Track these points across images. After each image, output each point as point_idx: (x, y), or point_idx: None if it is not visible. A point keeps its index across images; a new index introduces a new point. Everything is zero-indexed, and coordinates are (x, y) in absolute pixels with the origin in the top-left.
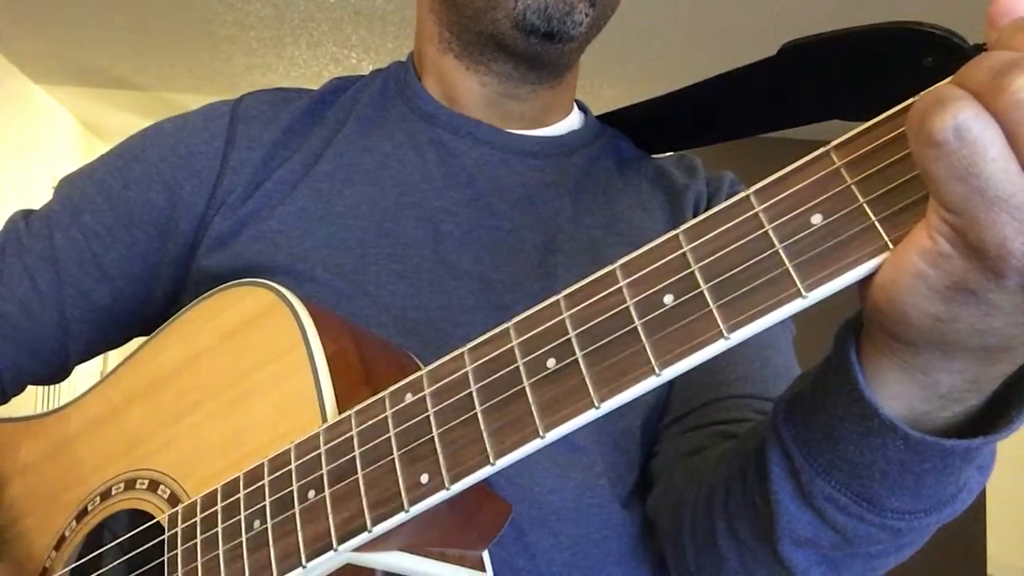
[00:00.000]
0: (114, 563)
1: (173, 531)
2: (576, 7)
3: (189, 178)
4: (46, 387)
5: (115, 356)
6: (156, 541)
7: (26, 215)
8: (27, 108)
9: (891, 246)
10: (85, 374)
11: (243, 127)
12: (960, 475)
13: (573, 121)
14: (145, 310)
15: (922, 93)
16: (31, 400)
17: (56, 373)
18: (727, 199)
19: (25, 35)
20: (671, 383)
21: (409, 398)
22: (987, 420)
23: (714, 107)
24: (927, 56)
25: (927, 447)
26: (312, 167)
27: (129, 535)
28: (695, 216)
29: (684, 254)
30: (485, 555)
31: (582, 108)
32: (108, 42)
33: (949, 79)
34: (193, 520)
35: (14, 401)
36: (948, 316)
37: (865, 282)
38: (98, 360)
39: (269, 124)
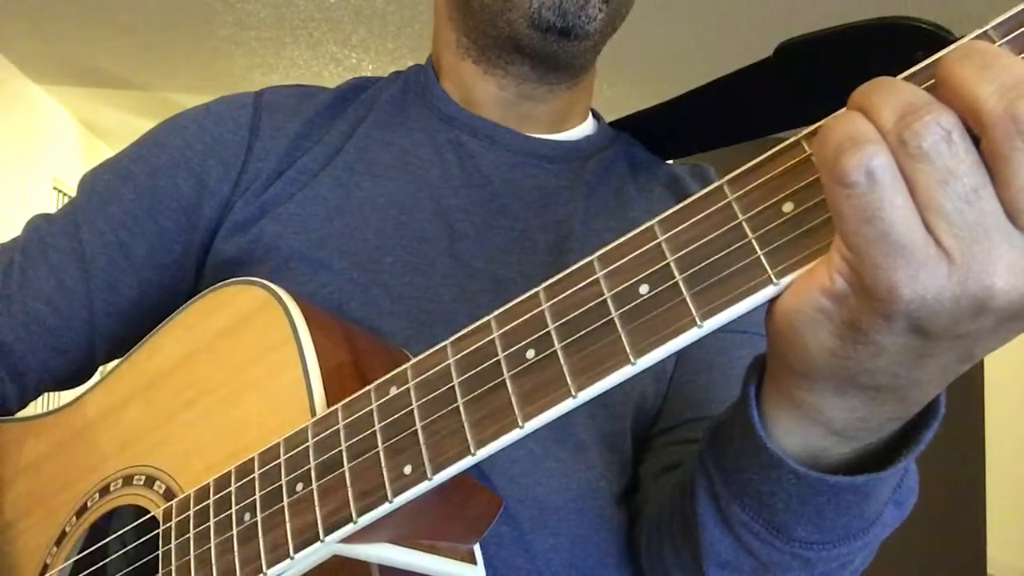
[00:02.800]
0: (112, 557)
1: (167, 525)
2: (590, 1)
3: (216, 165)
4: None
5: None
6: (152, 535)
7: (46, 216)
8: (27, 108)
9: None
10: None
11: (267, 117)
12: (864, 509)
13: (588, 127)
14: (172, 301)
15: (833, 118)
16: (35, 400)
17: (80, 373)
18: None
19: (25, 35)
20: (666, 394)
21: (394, 391)
22: (883, 459)
23: (718, 111)
24: (916, 50)
25: (815, 482)
26: (333, 158)
27: (126, 530)
28: None
29: (659, 244)
30: (476, 548)
31: (595, 115)
32: (108, 42)
33: (851, 105)
34: (186, 514)
35: None
36: (843, 352)
37: (770, 312)
38: None
39: (292, 115)
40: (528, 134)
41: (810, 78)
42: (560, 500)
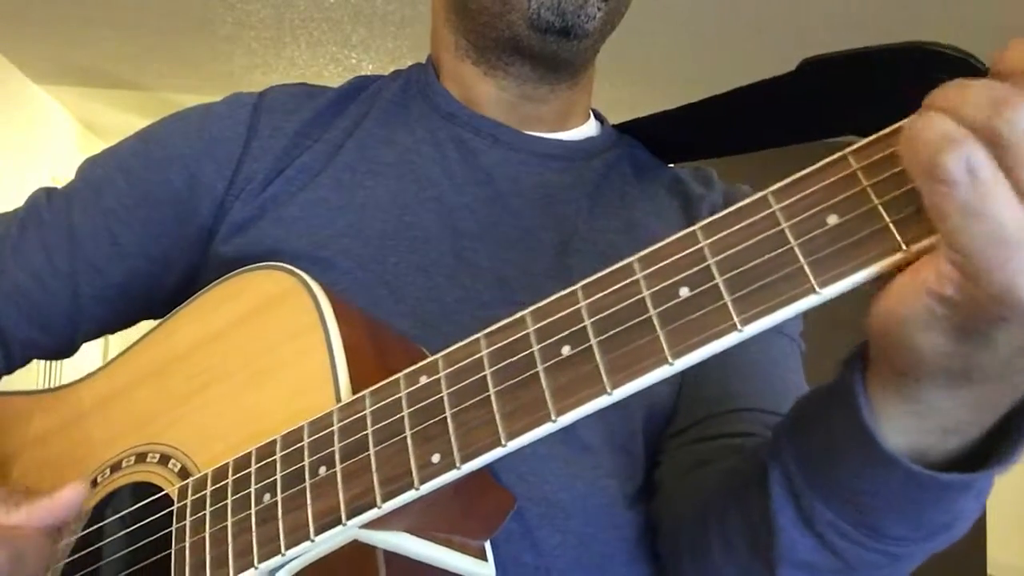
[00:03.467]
0: (120, 533)
1: (183, 502)
2: (588, 0)
3: (210, 163)
4: (49, 363)
5: (116, 340)
6: (164, 512)
7: (49, 192)
8: (27, 108)
9: (904, 247)
10: (86, 351)
11: (267, 116)
12: (957, 503)
13: (591, 127)
14: (156, 293)
15: (914, 119)
16: (34, 376)
17: (63, 349)
18: None
19: (25, 35)
20: (679, 393)
21: (423, 380)
22: (983, 452)
23: (731, 120)
24: (942, 76)
25: (926, 480)
26: (333, 157)
27: (138, 505)
28: None
29: (701, 249)
30: (487, 545)
31: (598, 117)
32: (108, 42)
33: (931, 107)
34: (203, 492)
35: (20, 375)
36: (958, 352)
37: (872, 318)
38: (100, 339)
39: (292, 114)
40: (530, 133)
41: (830, 95)
42: (567, 498)
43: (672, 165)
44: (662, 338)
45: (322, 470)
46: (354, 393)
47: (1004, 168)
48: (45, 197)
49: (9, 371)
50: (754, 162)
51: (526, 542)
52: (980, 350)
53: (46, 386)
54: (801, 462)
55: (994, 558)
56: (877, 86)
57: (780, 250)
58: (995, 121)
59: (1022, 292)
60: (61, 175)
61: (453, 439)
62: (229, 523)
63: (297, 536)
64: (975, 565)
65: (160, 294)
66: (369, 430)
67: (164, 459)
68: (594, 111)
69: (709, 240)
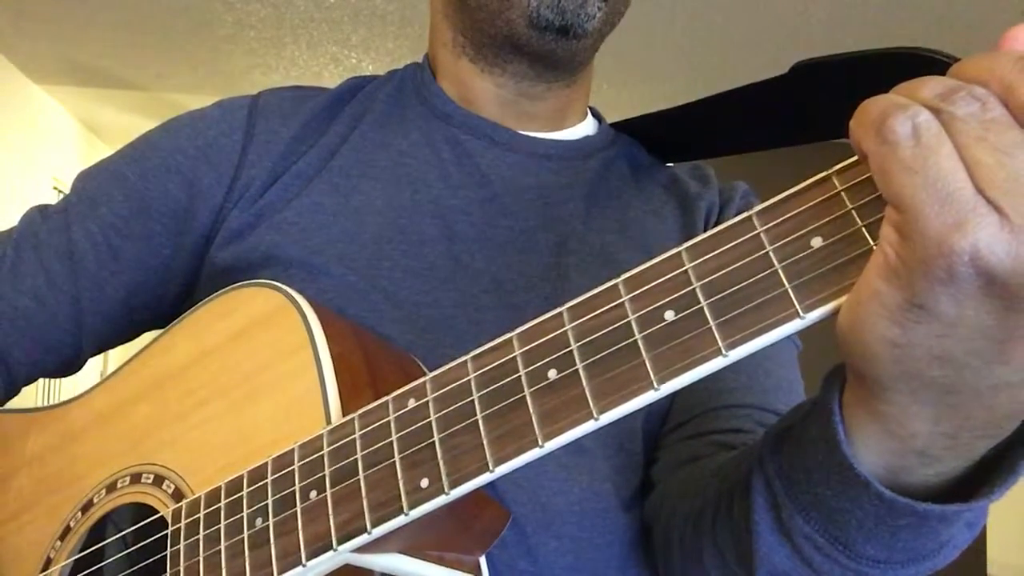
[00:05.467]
0: (117, 556)
1: (176, 526)
2: (589, 0)
3: (208, 170)
4: (47, 379)
5: (115, 353)
6: (159, 535)
7: (42, 210)
8: (27, 108)
9: None
10: (85, 367)
11: (262, 121)
12: (941, 533)
13: (588, 126)
14: (159, 304)
15: (866, 101)
16: (32, 391)
17: (68, 366)
18: (739, 211)
19: (25, 35)
20: None
21: (412, 403)
22: (972, 486)
23: (726, 121)
24: None
25: (901, 507)
26: (328, 162)
27: (133, 528)
28: (707, 225)
29: (686, 271)
30: (482, 560)
31: (596, 115)
32: (108, 42)
33: (894, 90)
34: (196, 516)
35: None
36: (904, 340)
37: (837, 328)
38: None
39: (288, 119)
40: (527, 133)
41: (823, 98)
42: (563, 503)
43: (670, 164)
44: (647, 363)
45: (313, 494)
46: (345, 411)
47: (950, 134)
48: (39, 216)
49: (10, 396)
50: (751, 163)
51: (522, 549)
52: (927, 331)
53: (45, 401)
54: (782, 474)
55: (994, 558)
56: (870, 90)
57: (764, 273)
58: (940, 102)
59: (956, 246)
60: (62, 175)
61: (441, 464)
62: (223, 547)
63: (289, 561)
64: (975, 565)
65: (163, 305)
66: (359, 454)
67: (158, 480)
68: (592, 109)
69: (694, 262)
